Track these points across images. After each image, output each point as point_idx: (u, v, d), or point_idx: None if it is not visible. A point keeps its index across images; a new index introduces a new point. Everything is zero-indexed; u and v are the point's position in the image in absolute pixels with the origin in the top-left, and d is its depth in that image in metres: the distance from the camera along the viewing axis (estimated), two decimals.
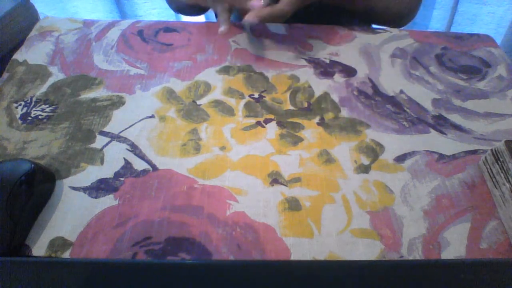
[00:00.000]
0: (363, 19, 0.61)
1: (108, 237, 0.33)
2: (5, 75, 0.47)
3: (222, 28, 0.46)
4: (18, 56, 0.49)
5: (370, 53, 0.52)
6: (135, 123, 0.42)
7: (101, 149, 0.39)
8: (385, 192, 0.37)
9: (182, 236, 0.33)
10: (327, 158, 0.39)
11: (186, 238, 0.33)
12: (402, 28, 0.61)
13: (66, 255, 0.32)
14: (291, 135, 0.41)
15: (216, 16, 0.86)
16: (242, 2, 0.46)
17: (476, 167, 0.39)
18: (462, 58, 0.52)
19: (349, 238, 0.33)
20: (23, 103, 0.44)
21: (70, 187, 0.36)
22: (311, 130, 0.42)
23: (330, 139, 0.41)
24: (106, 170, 0.38)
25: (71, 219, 0.34)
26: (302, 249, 0.33)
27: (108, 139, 0.40)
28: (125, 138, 0.40)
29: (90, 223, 0.34)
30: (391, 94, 0.47)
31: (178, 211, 0.35)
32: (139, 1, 1.17)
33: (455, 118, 0.44)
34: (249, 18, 0.44)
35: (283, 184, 0.37)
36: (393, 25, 0.60)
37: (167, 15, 1.21)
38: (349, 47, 0.52)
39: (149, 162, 0.38)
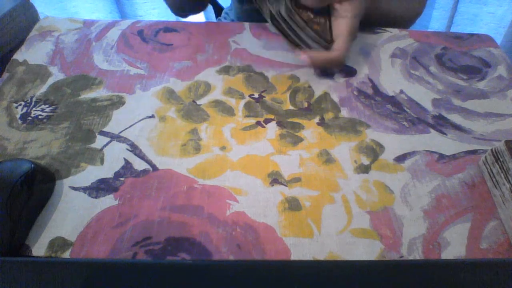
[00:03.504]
0: (372, 24, 0.61)
1: (108, 237, 0.33)
2: (5, 75, 0.47)
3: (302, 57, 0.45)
4: (18, 56, 0.49)
5: (370, 53, 0.52)
6: (135, 123, 0.42)
7: (101, 149, 0.39)
8: (385, 192, 0.37)
9: (182, 236, 0.33)
10: (327, 158, 0.39)
11: (186, 238, 0.33)
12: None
13: (66, 255, 0.32)
14: (291, 135, 0.41)
15: (216, 16, 0.86)
16: None
17: (476, 167, 0.39)
18: (462, 58, 0.52)
19: (349, 238, 0.33)
20: (23, 103, 0.44)
21: (70, 187, 0.36)
22: (311, 130, 0.42)
23: (330, 139, 0.41)
24: (106, 170, 0.38)
25: (71, 219, 0.34)
26: (302, 249, 0.33)
27: (108, 139, 0.40)
28: (125, 138, 0.40)
29: (90, 223, 0.34)
30: (391, 94, 0.47)
31: (178, 211, 0.35)
32: (139, 1, 1.17)
33: (455, 118, 0.44)
34: (301, 56, 0.44)
35: (283, 184, 0.37)
36: (399, 27, 0.61)
37: (167, 15, 1.20)
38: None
39: (149, 162, 0.38)
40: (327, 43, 0.45)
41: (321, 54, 0.45)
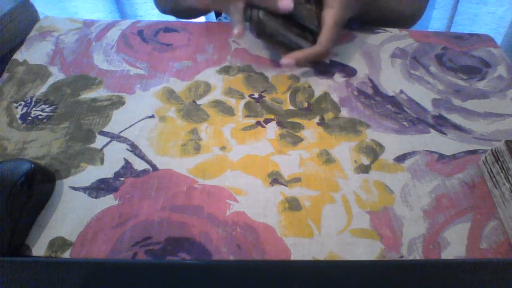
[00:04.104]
0: (372, 23, 0.61)
1: (108, 237, 0.33)
2: (5, 75, 0.47)
3: (236, 31, 0.44)
4: (18, 56, 0.49)
5: (370, 53, 0.52)
6: (135, 123, 0.42)
7: (101, 149, 0.39)
8: (385, 192, 0.37)
9: (182, 236, 0.33)
10: (327, 158, 0.39)
11: (186, 238, 0.33)
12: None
13: (66, 255, 0.32)
14: (291, 135, 0.41)
15: (216, 16, 0.86)
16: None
17: (476, 167, 0.39)
18: (462, 58, 0.52)
19: (349, 238, 0.33)
20: (23, 103, 0.44)
21: (70, 187, 0.36)
22: (311, 130, 0.42)
23: (330, 139, 0.41)
24: (106, 170, 0.38)
25: (71, 219, 0.34)
26: (302, 249, 0.33)
27: (108, 139, 0.40)
28: (125, 138, 0.40)
29: (90, 223, 0.34)
30: (391, 94, 0.47)
31: (178, 211, 0.35)
32: (139, 1, 1.17)
33: (455, 118, 0.44)
34: (285, 61, 0.44)
35: (283, 184, 0.37)
36: (400, 27, 0.61)
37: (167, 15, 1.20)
38: (349, 47, 0.52)
39: (149, 162, 0.38)
40: (313, 34, 0.44)
41: (304, 52, 0.44)
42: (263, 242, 0.33)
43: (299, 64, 0.45)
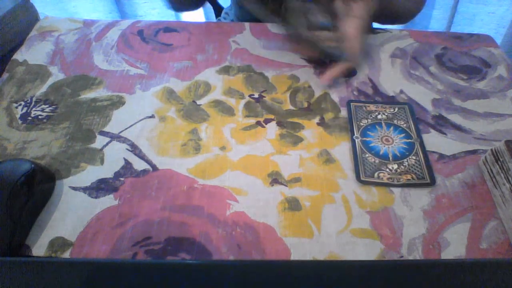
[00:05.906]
0: (378, 20, 0.60)
1: (108, 237, 0.33)
2: (5, 75, 0.47)
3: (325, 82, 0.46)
4: (18, 56, 0.49)
5: (370, 53, 0.52)
6: (135, 123, 0.42)
7: (101, 149, 0.39)
8: (385, 192, 0.37)
9: (182, 236, 0.33)
10: (327, 158, 0.39)
11: (186, 238, 0.33)
12: (402, 28, 0.61)
13: (66, 255, 0.32)
14: (291, 135, 0.41)
15: (216, 16, 0.86)
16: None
17: (476, 167, 0.39)
18: (462, 58, 0.52)
19: (349, 238, 0.33)
20: (23, 103, 0.44)
21: (70, 187, 0.36)
22: (311, 130, 0.42)
23: (330, 139, 0.41)
24: (106, 170, 0.38)
25: (71, 219, 0.34)
26: (302, 249, 0.33)
27: (108, 139, 0.40)
28: (125, 138, 0.40)
29: (90, 223, 0.34)
30: (391, 94, 0.47)
31: (178, 211, 0.35)
32: (139, 1, 1.17)
33: (455, 118, 0.44)
34: (324, 81, 0.46)
35: (283, 184, 0.37)
36: (399, 22, 0.60)
37: (167, 15, 1.21)
38: None
39: (149, 162, 0.38)
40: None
41: (338, 67, 0.45)
42: (263, 242, 0.33)
43: (336, 77, 0.47)
